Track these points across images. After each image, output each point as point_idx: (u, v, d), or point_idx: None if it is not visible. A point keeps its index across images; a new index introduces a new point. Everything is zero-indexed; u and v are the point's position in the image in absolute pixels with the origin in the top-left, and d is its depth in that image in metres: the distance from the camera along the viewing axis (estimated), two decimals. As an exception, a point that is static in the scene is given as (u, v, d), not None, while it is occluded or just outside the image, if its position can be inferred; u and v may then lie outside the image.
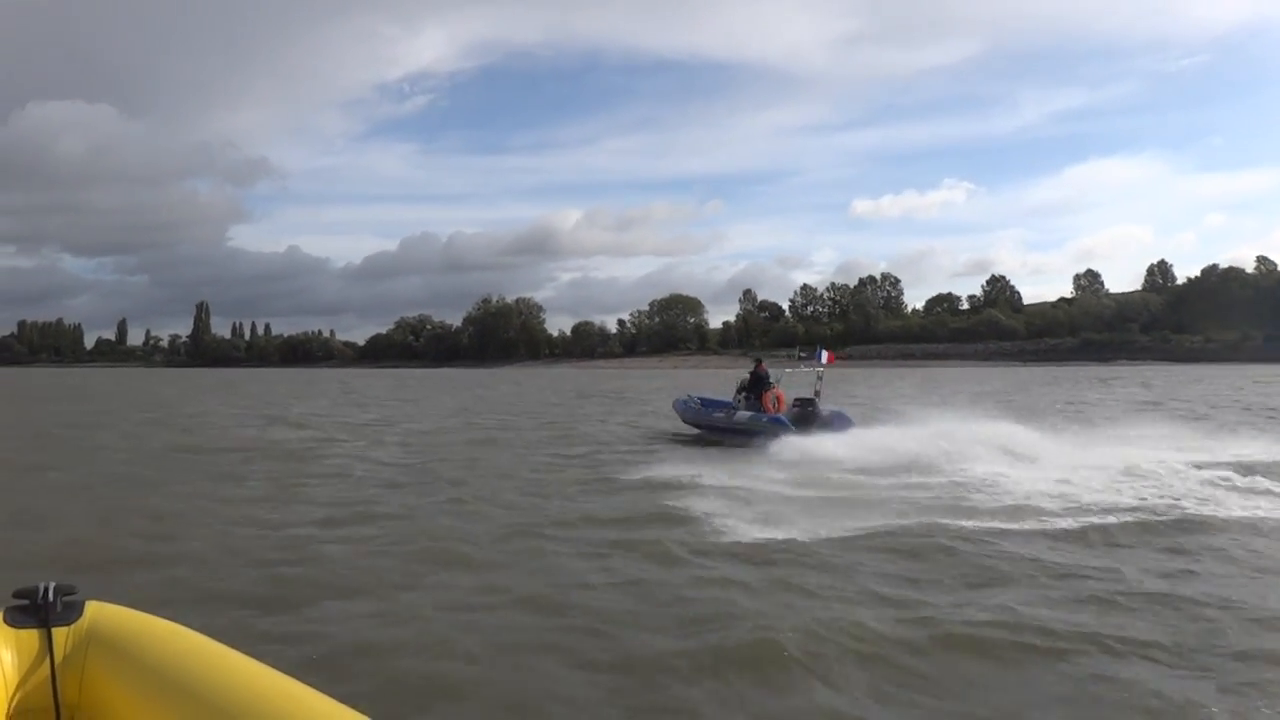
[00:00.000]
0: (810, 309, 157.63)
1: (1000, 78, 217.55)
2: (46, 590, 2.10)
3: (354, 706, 1.77)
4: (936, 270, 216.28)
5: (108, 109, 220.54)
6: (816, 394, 17.04)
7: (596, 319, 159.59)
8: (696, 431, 18.65)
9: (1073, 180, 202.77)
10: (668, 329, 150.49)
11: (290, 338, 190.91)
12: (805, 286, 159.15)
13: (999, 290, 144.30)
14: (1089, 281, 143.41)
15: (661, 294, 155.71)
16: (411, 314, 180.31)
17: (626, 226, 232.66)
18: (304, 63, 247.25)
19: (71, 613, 2.12)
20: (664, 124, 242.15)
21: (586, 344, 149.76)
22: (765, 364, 18.34)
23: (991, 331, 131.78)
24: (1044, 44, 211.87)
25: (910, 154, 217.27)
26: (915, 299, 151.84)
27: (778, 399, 16.88)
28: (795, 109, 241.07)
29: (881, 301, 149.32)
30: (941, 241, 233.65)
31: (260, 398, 43.52)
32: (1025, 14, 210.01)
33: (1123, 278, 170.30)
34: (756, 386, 17.40)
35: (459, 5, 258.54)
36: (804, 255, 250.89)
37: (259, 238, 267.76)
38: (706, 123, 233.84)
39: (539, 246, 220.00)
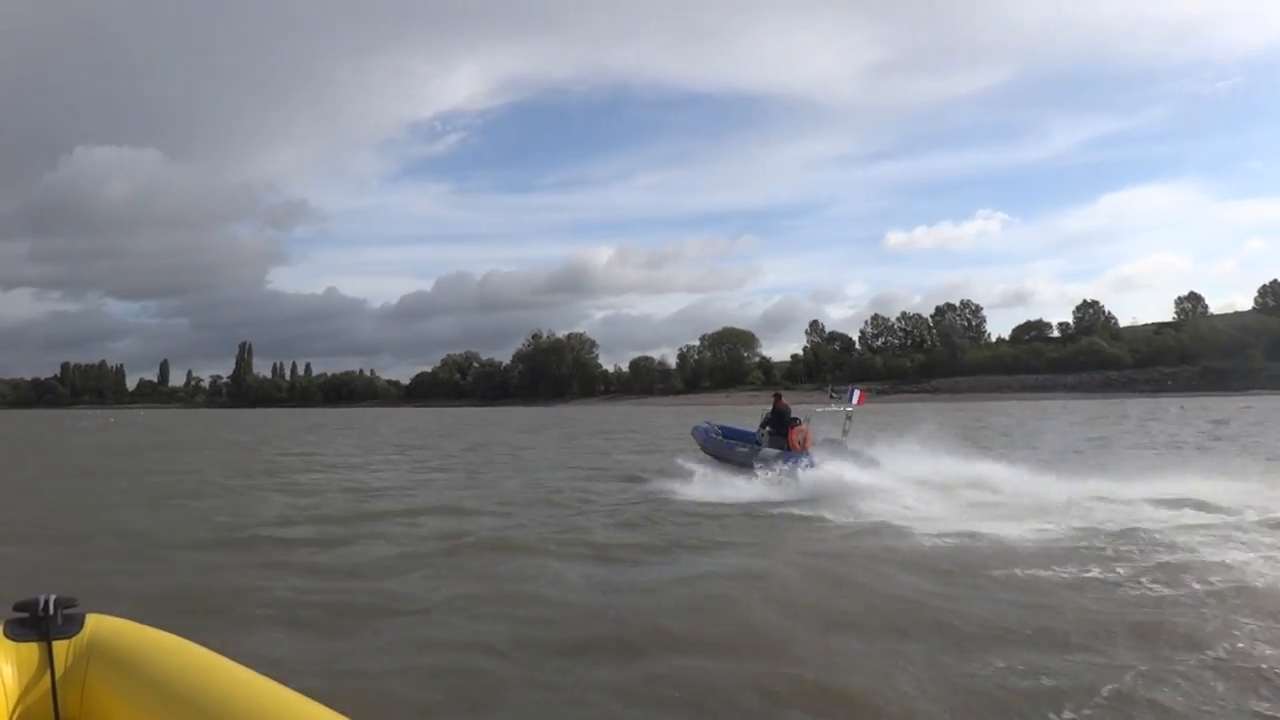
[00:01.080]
0: (881, 340, 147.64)
1: (1031, 105, 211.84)
2: (47, 603, 2.08)
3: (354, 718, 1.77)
4: (973, 299, 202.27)
5: (153, 153, 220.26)
6: (844, 434, 16.17)
7: (637, 355, 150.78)
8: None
9: (1108, 208, 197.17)
10: (732, 362, 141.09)
11: (334, 377, 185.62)
12: (876, 316, 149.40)
13: (1093, 316, 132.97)
14: (1192, 305, 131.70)
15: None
16: (452, 352, 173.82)
17: (659, 263, 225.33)
18: (339, 103, 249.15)
19: (72, 625, 2.10)
20: (694, 158, 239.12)
21: (645, 380, 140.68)
22: (785, 399, 17.38)
23: (1093, 360, 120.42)
24: (1074, 70, 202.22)
25: (942, 184, 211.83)
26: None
27: (805, 437, 16.03)
28: (826, 141, 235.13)
29: (962, 330, 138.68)
30: (977, 273, 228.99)
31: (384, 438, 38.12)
32: (1055, 41, 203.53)
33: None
34: (779, 422, 16.47)
35: (491, 42, 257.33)
36: (837, 289, 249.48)
37: (297, 279, 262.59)
38: (737, 156, 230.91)
39: (573, 284, 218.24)
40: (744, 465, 15.97)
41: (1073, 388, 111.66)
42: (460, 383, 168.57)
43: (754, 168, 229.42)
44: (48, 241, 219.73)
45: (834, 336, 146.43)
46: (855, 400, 16.75)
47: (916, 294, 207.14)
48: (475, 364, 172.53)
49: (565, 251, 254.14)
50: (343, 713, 1.81)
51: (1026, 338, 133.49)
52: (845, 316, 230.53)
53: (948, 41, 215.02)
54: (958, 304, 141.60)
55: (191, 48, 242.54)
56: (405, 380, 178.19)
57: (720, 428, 18.18)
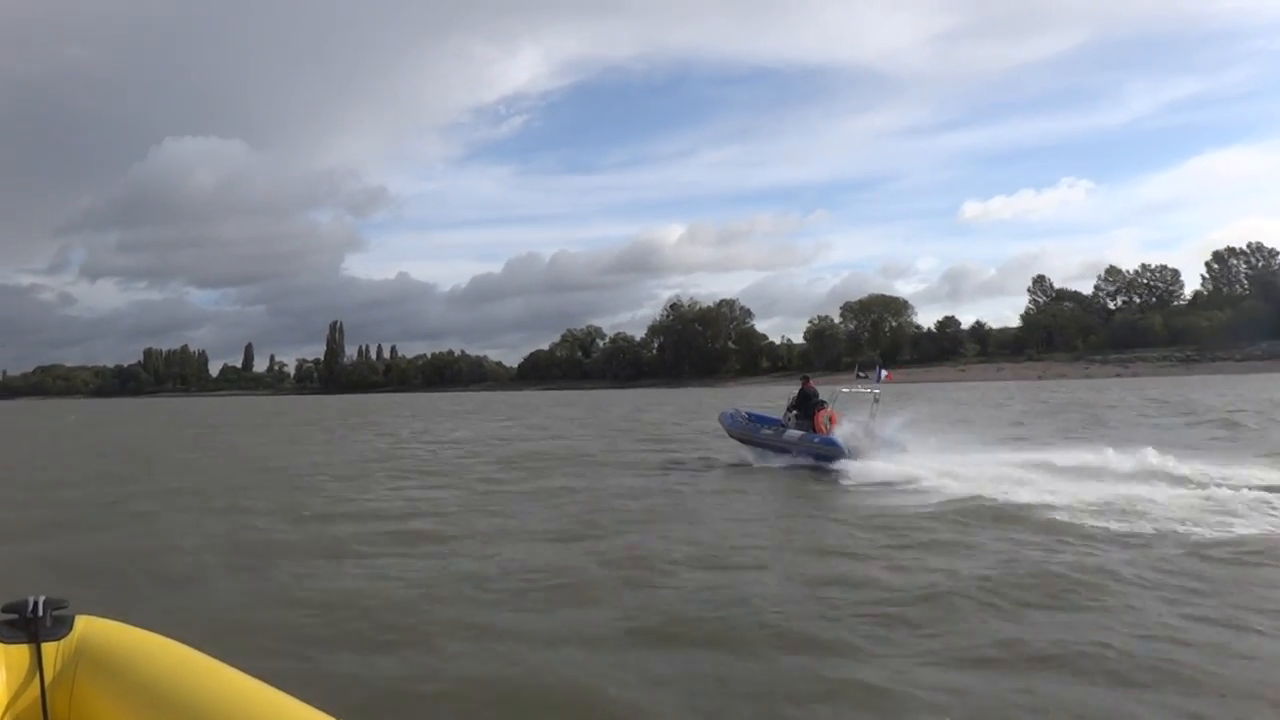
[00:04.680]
0: (1122, 297, 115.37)
1: (1107, 69, 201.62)
2: (36, 604, 2.05)
3: None
4: (1049, 274, 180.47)
5: (239, 144, 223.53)
6: (872, 416, 15.56)
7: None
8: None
9: (1192, 173, 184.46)
10: (941, 334, 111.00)
11: (435, 358, 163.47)
12: (1111, 268, 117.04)
13: None
14: None
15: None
16: (572, 328, 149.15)
17: (728, 240, 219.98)
18: (404, 90, 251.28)
19: (61, 627, 2.08)
20: (758, 134, 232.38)
21: (830, 353, 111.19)
22: (812, 382, 16.94)
23: None
24: (1152, 31, 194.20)
25: (1016, 153, 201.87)
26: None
27: (831, 419, 15.55)
28: (893, 112, 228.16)
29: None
30: (1052, 243, 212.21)
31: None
32: (1130, 2, 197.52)
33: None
34: (805, 404, 16.08)
35: (552, 23, 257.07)
36: (908, 263, 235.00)
37: (369, 265, 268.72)
38: (802, 131, 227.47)
39: (640, 264, 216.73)
40: (769, 449, 15.94)
41: None
42: (583, 361, 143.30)
43: (820, 142, 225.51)
44: (135, 232, 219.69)
45: (1064, 295, 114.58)
46: (883, 377, 16.06)
47: (991, 267, 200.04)
48: (597, 340, 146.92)
49: (629, 231, 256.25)
50: (331, 713, 1.76)
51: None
52: (916, 291, 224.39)
53: (1018, 6, 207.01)
54: (1243, 247, 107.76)
55: (268, 41, 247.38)
56: (501, 360, 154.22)
57: (747, 414, 17.81)
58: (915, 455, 13.80)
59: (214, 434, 33.00)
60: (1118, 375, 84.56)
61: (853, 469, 13.48)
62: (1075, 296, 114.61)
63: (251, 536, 9.74)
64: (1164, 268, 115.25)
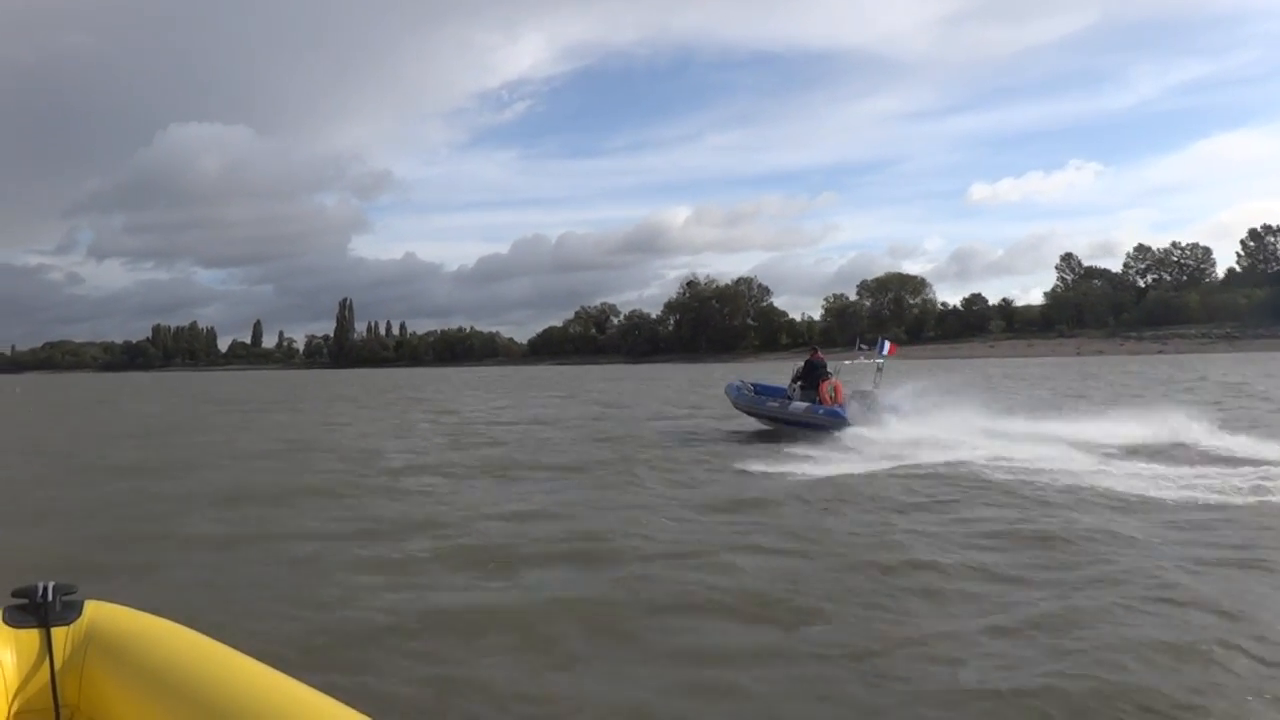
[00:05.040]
0: (1152, 275, 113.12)
1: (1113, 51, 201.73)
2: (46, 589, 2.06)
3: (356, 706, 1.72)
4: (1058, 255, 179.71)
5: (244, 129, 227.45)
6: (875, 385, 15.90)
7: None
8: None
9: (1200, 156, 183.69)
10: (968, 310, 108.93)
11: (445, 334, 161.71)
12: (1140, 246, 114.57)
13: None
14: None
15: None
16: (586, 304, 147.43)
17: (735, 222, 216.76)
18: (409, 74, 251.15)
19: (71, 612, 2.08)
20: (762, 118, 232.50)
21: (853, 328, 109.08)
22: (820, 353, 17.25)
23: None
24: (1158, 13, 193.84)
25: (1022, 136, 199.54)
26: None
27: (835, 390, 15.74)
28: (898, 95, 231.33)
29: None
30: (1061, 225, 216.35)
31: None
32: None
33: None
34: (811, 376, 16.21)
35: (555, 9, 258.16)
36: (915, 245, 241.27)
37: (375, 246, 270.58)
38: (806, 115, 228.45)
39: (647, 245, 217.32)
40: (775, 419, 16.27)
41: None
42: (597, 338, 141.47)
43: (823, 125, 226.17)
44: (142, 214, 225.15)
45: (1092, 272, 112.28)
46: (886, 350, 16.29)
47: (999, 248, 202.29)
48: (611, 316, 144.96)
49: (634, 214, 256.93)
50: (341, 700, 1.75)
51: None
52: (924, 270, 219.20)
53: None
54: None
55: (273, 27, 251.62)
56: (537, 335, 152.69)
57: (754, 385, 17.82)
58: (910, 422, 14.15)
59: (258, 414, 27.95)
60: (1160, 352, 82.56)
61: (847, 436, 13.87)
62: (1104, 274, 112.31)
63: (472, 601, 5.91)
64: (1195, 245, 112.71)
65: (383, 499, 10.05)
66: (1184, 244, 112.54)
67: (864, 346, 17.05)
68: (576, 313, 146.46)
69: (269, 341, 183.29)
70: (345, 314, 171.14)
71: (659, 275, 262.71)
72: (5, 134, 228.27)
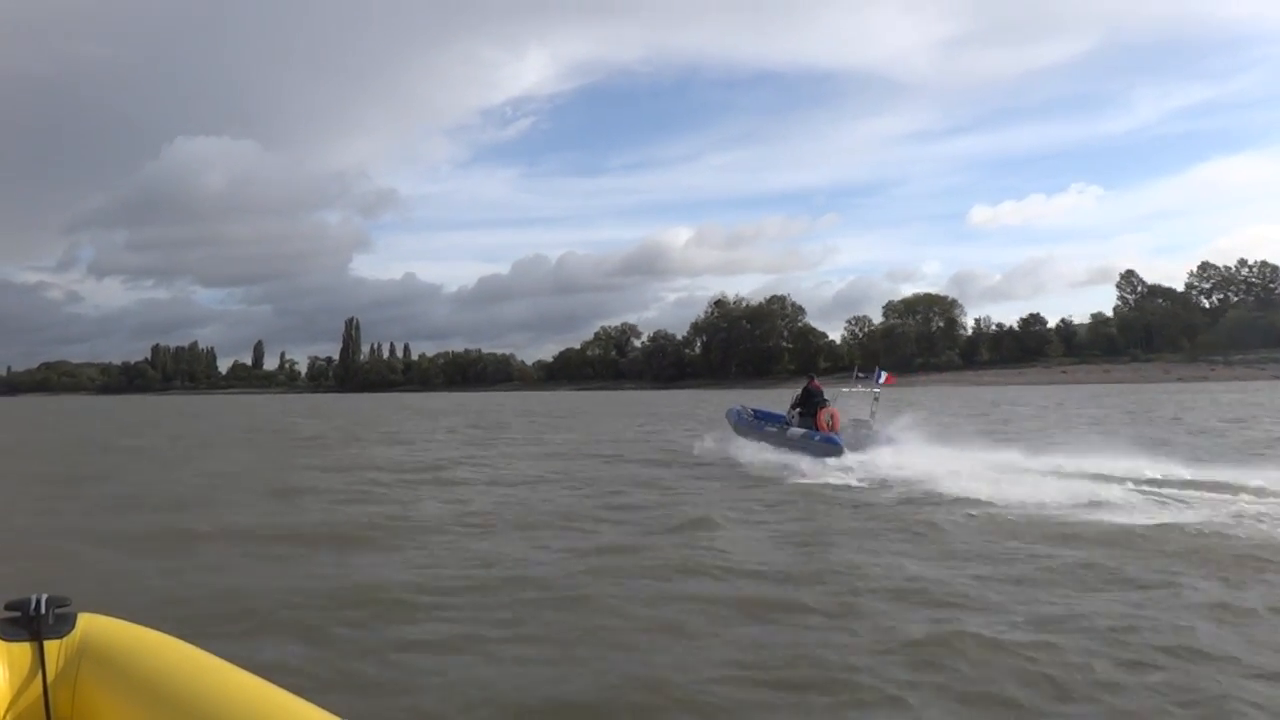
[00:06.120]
0: (1217, 295, 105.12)
1: (1114, 75, 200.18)
2: (38, 602, 2.03)
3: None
4: (1056, 279, 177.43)
5: (251, 144, 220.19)
6: (872, 415, 16.19)
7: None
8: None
9: (1200, 180, 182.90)
10: (1025, 332, 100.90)
11: (457, 356, 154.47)
12: (1205, 264, 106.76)
13: None
14: None
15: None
16: (606, 324, 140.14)
17: (736, 243, 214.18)
18: (412, 90, 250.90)
19: (64, 625, 2.05)
20: (764, 138, 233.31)
21: (900, 351, 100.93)
22: (818, 381, 17.21)
23: None
24: (1160, 37, 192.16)
25: (1024, 159, 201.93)
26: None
27: (832, 417, 15.77)
28: (900, 117, 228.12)
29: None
30: (1060, 249, 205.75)
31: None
32: (1139, 8, 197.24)
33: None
34: (809, 403, 16.36)
35: (559, 26, 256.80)
36: (915, 268, 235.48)
37: (375, 265, 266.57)
38: (808, 135, 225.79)
39: (647, 266, 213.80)
40: (772, 445, 16.11)
41: None
42: (618, 361, 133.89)
43: (825, 146, 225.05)
44: (145, 230, 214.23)
45: (1158, 291, 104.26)
46: (883, 380, 16.54)
47: (997, 272, 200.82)
48: (634, 339, 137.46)
49: (635, 234, 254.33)
50: (336, 713, 1.74)
51: None
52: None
53: (1025, 12, 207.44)
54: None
55: (281, 43, 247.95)
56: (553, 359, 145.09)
57: (753, 410, 18.34)
58: (903, 452, 14.06)
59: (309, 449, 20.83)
60: (1276, 378, 74.44)
61: (839, 463, 13.89)
62: (1168, 293, 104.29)
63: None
64: (1264, 264, 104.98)
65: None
66: (1252, 261, 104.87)
67: (861, 375, 17.42)
68: (596, 334, 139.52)
69: (271, 362, 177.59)
70: (351, 335, 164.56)
71: (658, 298, 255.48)
72: (12, 146, 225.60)
